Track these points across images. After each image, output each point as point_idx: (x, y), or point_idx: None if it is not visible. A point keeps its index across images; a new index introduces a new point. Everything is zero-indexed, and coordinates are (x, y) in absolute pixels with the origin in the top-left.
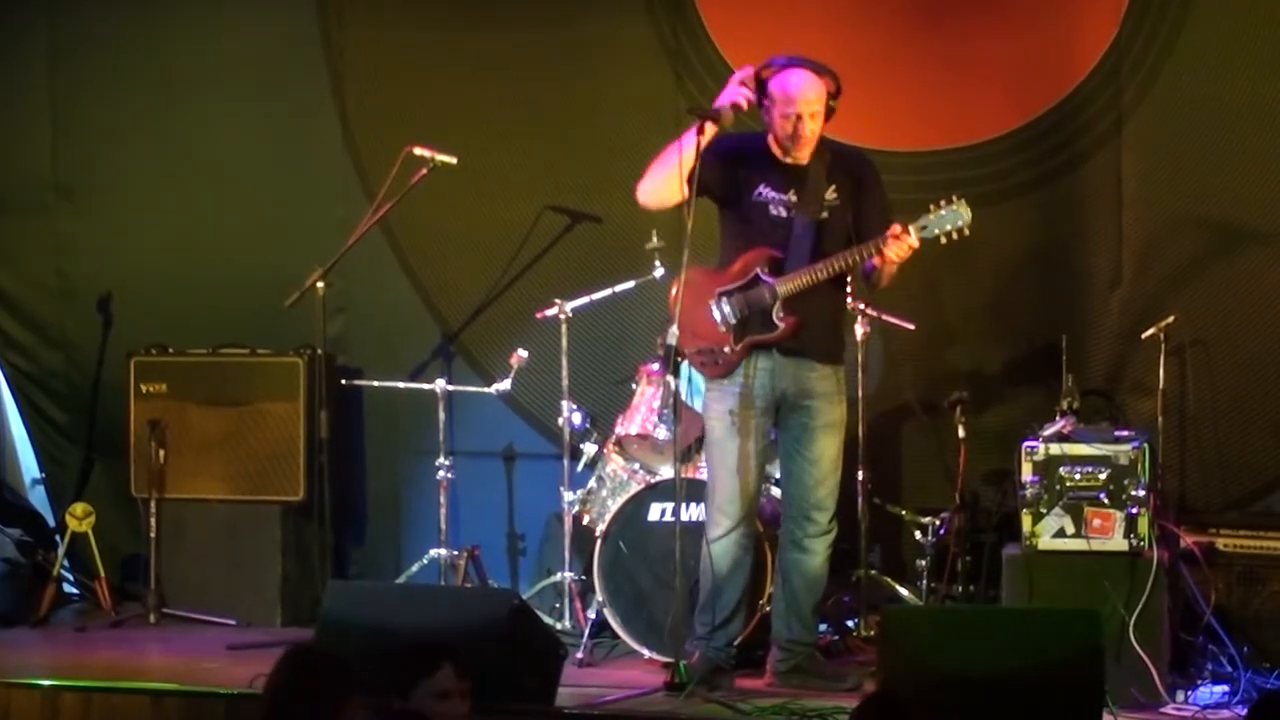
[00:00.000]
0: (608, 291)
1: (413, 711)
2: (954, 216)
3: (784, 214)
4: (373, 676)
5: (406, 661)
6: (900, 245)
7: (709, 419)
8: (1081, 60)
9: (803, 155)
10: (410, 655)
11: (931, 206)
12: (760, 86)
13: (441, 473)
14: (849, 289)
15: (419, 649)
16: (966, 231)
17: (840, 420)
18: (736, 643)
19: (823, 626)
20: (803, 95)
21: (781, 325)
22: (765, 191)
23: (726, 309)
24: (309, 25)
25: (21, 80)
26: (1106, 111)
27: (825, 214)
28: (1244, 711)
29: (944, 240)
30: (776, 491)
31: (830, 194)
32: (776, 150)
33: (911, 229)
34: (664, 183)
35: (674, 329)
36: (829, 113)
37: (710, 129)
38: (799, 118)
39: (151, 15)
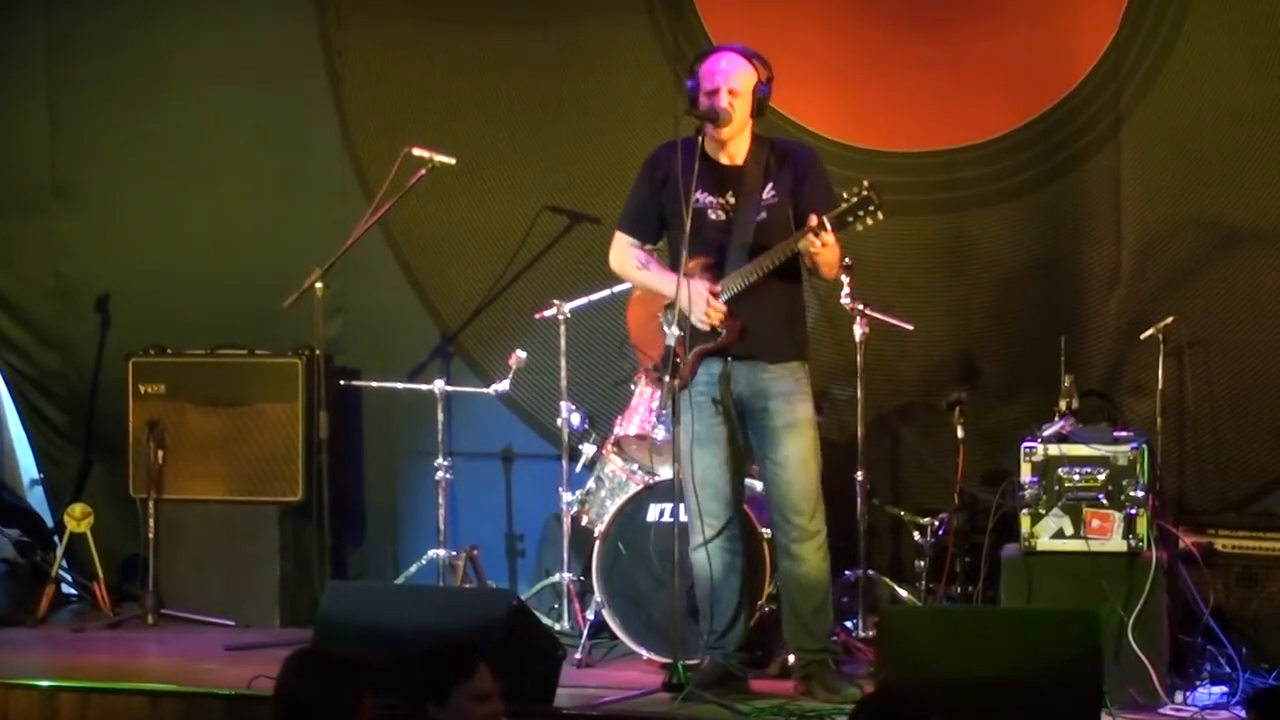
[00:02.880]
0: (606, 292)
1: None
2: (862, 203)
3: (723, 217)
4: (391, 680)
5: (439, 664)
6: (809, 239)
7: (680, 427)
8: (1080, 61)
9: (728, 140)
10: (443, 657)
11: (844, 195)
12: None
13: (440, 473)
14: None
15: (451, 650)
16: (879, 215)
17: (805, 418)
18: (741, 644)
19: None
20: (721, 70)
21: (723, 330)
22: (703, 197)
23: (671, 321)
24: (307, 26)
25: (19, 81)
26: (1105, 112)
27: (763, 214)
28: (1243, 713)
29: (860, 228)
30: None
31: (768, 192)
32: (711, 149)
33: (826, 219)
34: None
35: (673, 329)
36: (760, 104)
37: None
38: (716, 92)
39: (149, 16)
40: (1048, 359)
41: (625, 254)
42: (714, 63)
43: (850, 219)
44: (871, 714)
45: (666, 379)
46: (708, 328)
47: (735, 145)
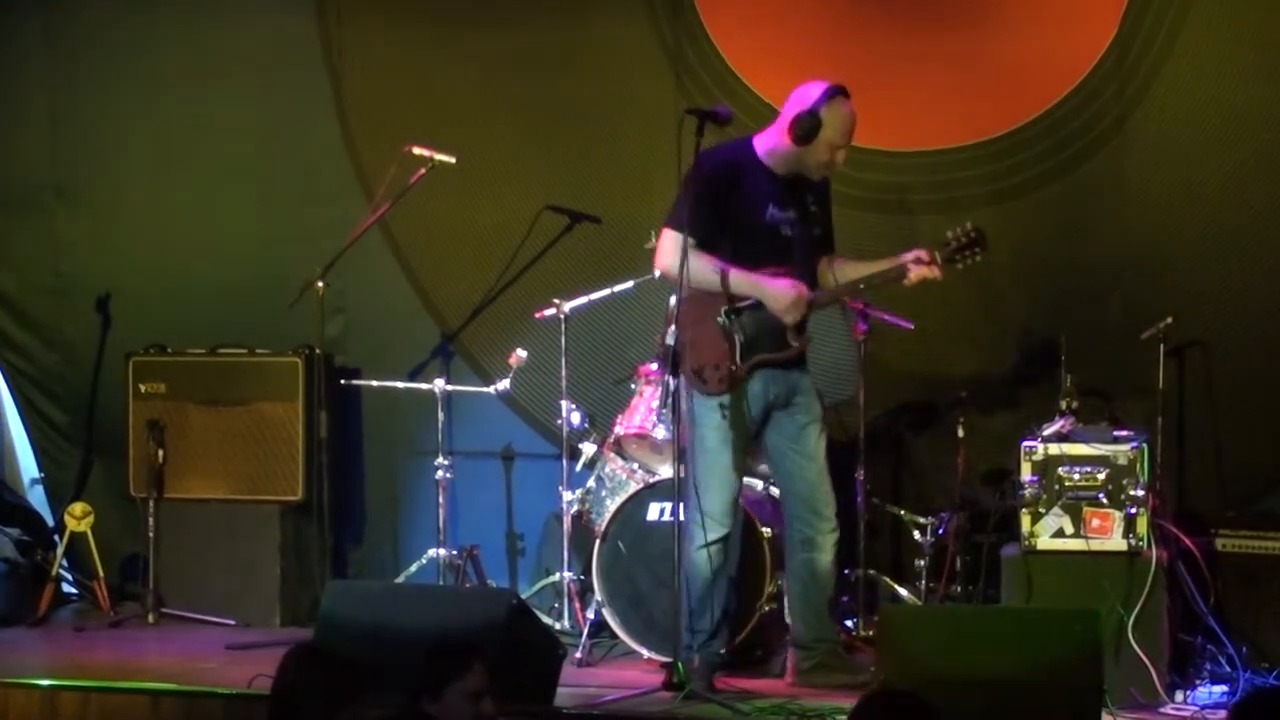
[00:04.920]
0: (606, 292)
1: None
2: (971, 244)
3: (789, 232)
4: (389, 679)
5: (436, 662)
6: (921, 272)
7: (702, 428)
8: (1081, 60)
9: (816, 177)
10: (439, 655)
11: (951, 233)
12: (809, 118)
13: (440, 472)
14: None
15: (447, 649)
16: (979, 257)
17: (823, 415)
18: (727, 646)
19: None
20: (853, 128)
21: (795, 345)
22: (775, 213)
23: (736, 326)
24: (308, 25)
25: (19, 81)
26: (1106, 111)
27: (816, 229)
28: None
29: (961, 267)
30: (775, 491)
31: (813, 207)
32: (771, 161)
33: (937, 255)
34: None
35: (673, 328)
36: None
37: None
38: (841, 149)
39: (149, 14)
40: (1048, 358)
41: (695, 256)
42: (848, 121)
43: (957, 258)
44: (874, 711)
45: (667, 377)
46: (793, 324)
47: (795, 162)
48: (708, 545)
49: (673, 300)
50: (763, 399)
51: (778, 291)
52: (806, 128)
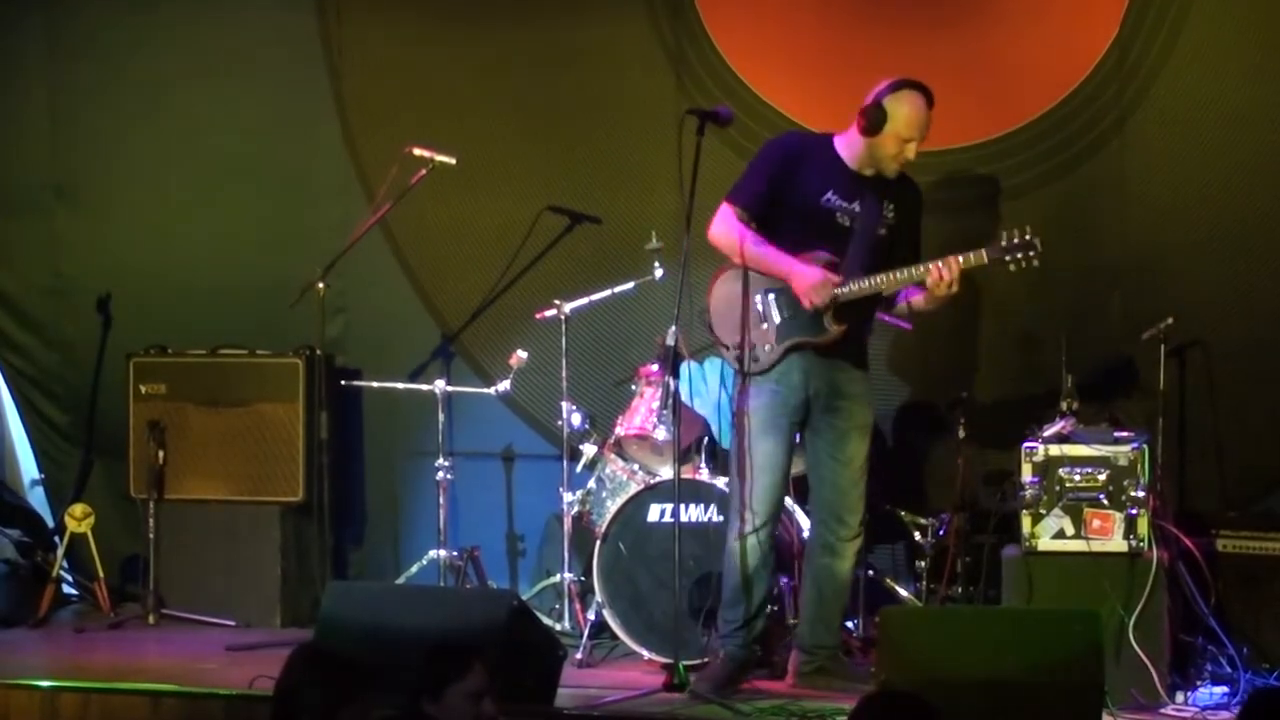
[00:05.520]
0: (607, 292)
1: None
2: (1025, 246)
3: (847, 222)
4: (390, 679)
5: (436, 663)
6: (940, 282)
7: (747, 413)
8: (1082, 60)
9: (890, 172)
10: (439, 656)
11: (1004, 234)
12: (875, 108)
13: (441, 473)
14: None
15: (447, 650)
16: (1036, 263)
17: (870, 424)
18: (758, 637)
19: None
20: (924, 123)
21: (832, 330)
22: (833, 198)
23: (773, 307)
24: (308, 25)
25: (20, 81)
26: (1107, 111)
27: (883, 230)
28: None
29: (1013, 268)
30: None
31: (889, 211)
32: (846, 155)
33: (984, 250)
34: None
35: (674, 329)
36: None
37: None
38: (910, 142)
39: (149, 15)
40: (1049, 359)
41: (737, 227)
42: (921, 110)
43: (1008, 257)
44: (874, 712)
45: (667, 378)
46: (811, 311)
47: (867, 156)
48: (744, 536)
49: (713, 286)
50: (803, 390)
51: (801, 271)
52: (872, 119)
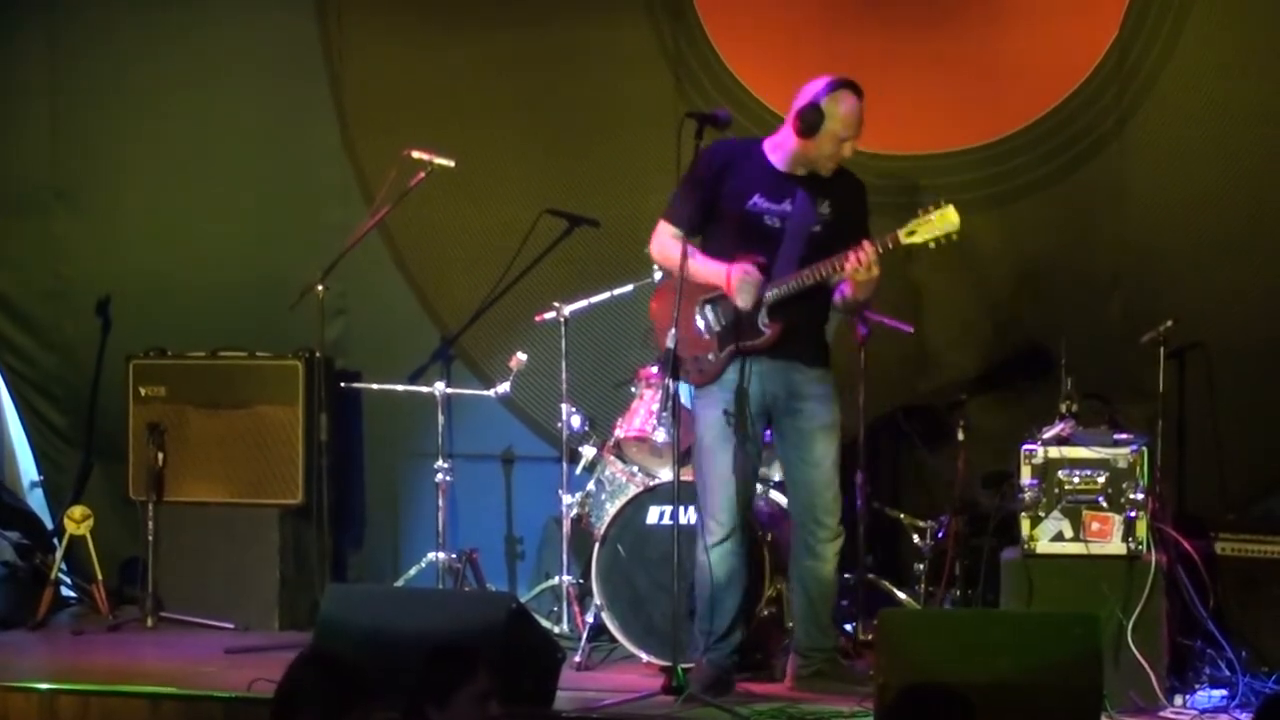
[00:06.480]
0: (606, 295)
1: None
2: (943, 224)
3: (777, 224)
4: (395, 685)
5: (440, 668)
6: (859, 267)
7: (700, 427)
8: (1082, 62)
9: (825, 171)
10: (444, 661)
11: (920, 211)
12: (811, 109)
13: (440, 476)
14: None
15: (450, 654)
16: (954, 237)
17: (836, 422)
18: (737, 648)
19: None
20: (859, 121)
21: (767, 331)
22: (760, 202)
23: (710, 316)
24: (308, 28)
25: (20, 84)
26: (1107, 113)
27: (818, 227)
28: (1242, 716)
29: (933, 245)
30: (775, 494)
31: (824, 208)
32: (776, 158)
33: (899, 233)
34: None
35: (673, 332)
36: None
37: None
38: (848, 141)
39: (150, 19)
40: (1048, 361)
41: (670, 243)
42: (853, 111)
43: (923, 237)
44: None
45: (667, 381)
46: (748, 307)
47: (800, 157)
48: (710, 546)
49: (654, 301)
50: (760, 398)
51: (729, 274)
52: (809, 120)
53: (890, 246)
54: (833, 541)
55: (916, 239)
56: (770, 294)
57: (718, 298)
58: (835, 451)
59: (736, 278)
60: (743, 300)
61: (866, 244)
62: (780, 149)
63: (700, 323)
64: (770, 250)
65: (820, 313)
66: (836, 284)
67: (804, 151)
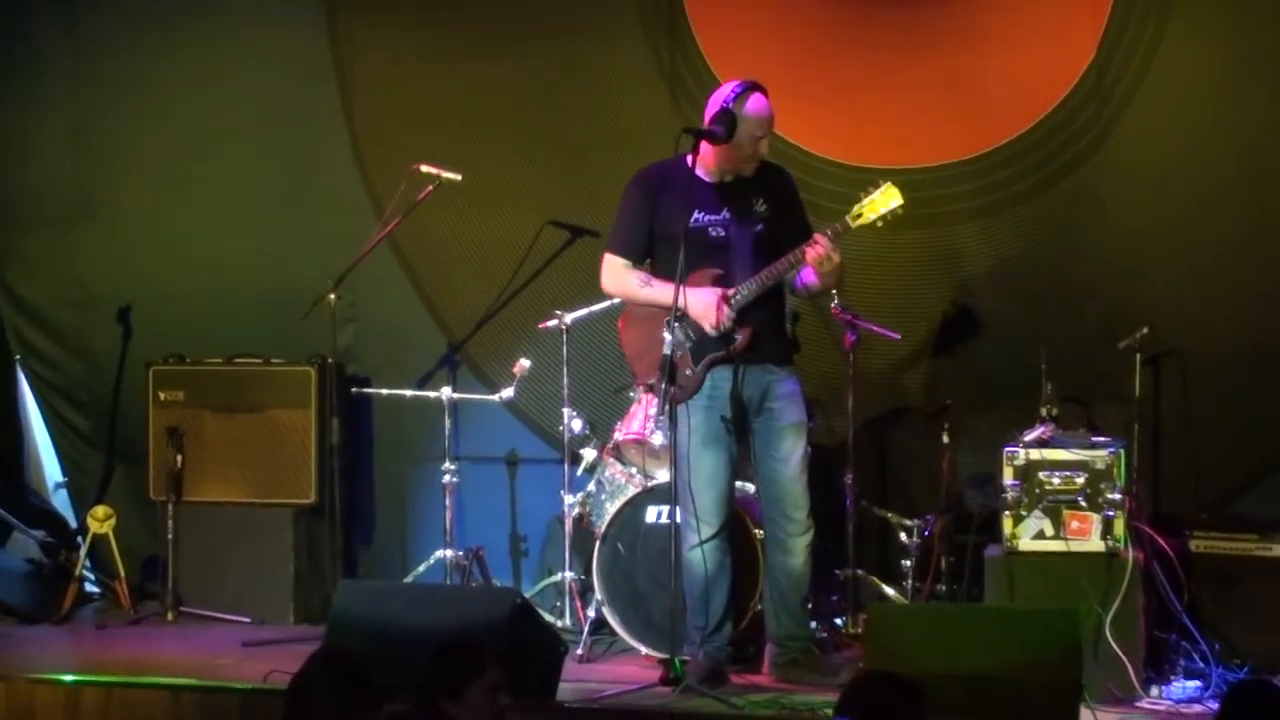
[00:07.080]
0: (606, 304)
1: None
2: (887, 201)
3: (722, 233)
4: (400, 682)
5: (451, 663)
6: (818, 252)
7: (682, 433)
8: (1060, 81)
9: (748, 171)
10: (454, 656)
11: (861, 195)
12: (724, 114)
13: (447, 477)
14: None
15: (459, 648)
16: (900, 211)
17: (803, 420)
18: (730, 640)
19: (813, 624)
20: (770, 118)
21: (739, 338)
22: (701, 216)
23: (680, 334)
24: (320, 47)
25: (44, 99)
26: (1086, 130)
27: (760, 225)
28: (1216, 706)
29: (880, 224)
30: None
31: (760, 206)
32: (702, 171)
33: (847, 219)
34: (630, 299)
35: (668, 338)
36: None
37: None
38: (763, 139)
39: (167, 35)
40: (1029, 367)
41: (624, 275)
42: (765, 110)
43: (871, 215)
44: (863, 693)
45: (665, 386)
46: (716, 333)
47: (724, 164)
48: (699, 545)
49: (621, 325)
50: (739, 400)
51: (694, 301)
52: (726, 125)
53: (841, 232)
54: (802, 535)
55: (864, 220)
56: (738, 298)
57: (682, 315)
58: (803, 448)
59: (701, 303)
60: (709, 322)
61: (819, 237)
62: (704, 162)
63: (670, 341)
64: (724, 260)
65: (779, 310)
66: (793, 278)
67: (725, 157)
